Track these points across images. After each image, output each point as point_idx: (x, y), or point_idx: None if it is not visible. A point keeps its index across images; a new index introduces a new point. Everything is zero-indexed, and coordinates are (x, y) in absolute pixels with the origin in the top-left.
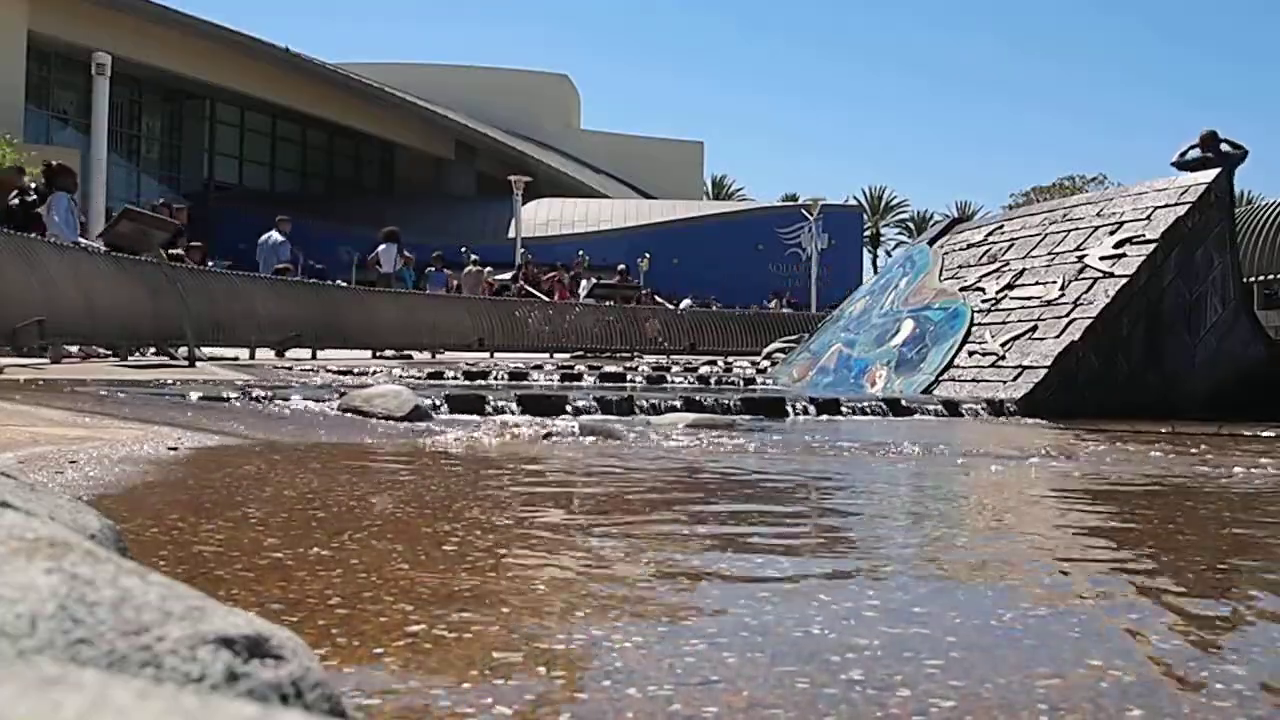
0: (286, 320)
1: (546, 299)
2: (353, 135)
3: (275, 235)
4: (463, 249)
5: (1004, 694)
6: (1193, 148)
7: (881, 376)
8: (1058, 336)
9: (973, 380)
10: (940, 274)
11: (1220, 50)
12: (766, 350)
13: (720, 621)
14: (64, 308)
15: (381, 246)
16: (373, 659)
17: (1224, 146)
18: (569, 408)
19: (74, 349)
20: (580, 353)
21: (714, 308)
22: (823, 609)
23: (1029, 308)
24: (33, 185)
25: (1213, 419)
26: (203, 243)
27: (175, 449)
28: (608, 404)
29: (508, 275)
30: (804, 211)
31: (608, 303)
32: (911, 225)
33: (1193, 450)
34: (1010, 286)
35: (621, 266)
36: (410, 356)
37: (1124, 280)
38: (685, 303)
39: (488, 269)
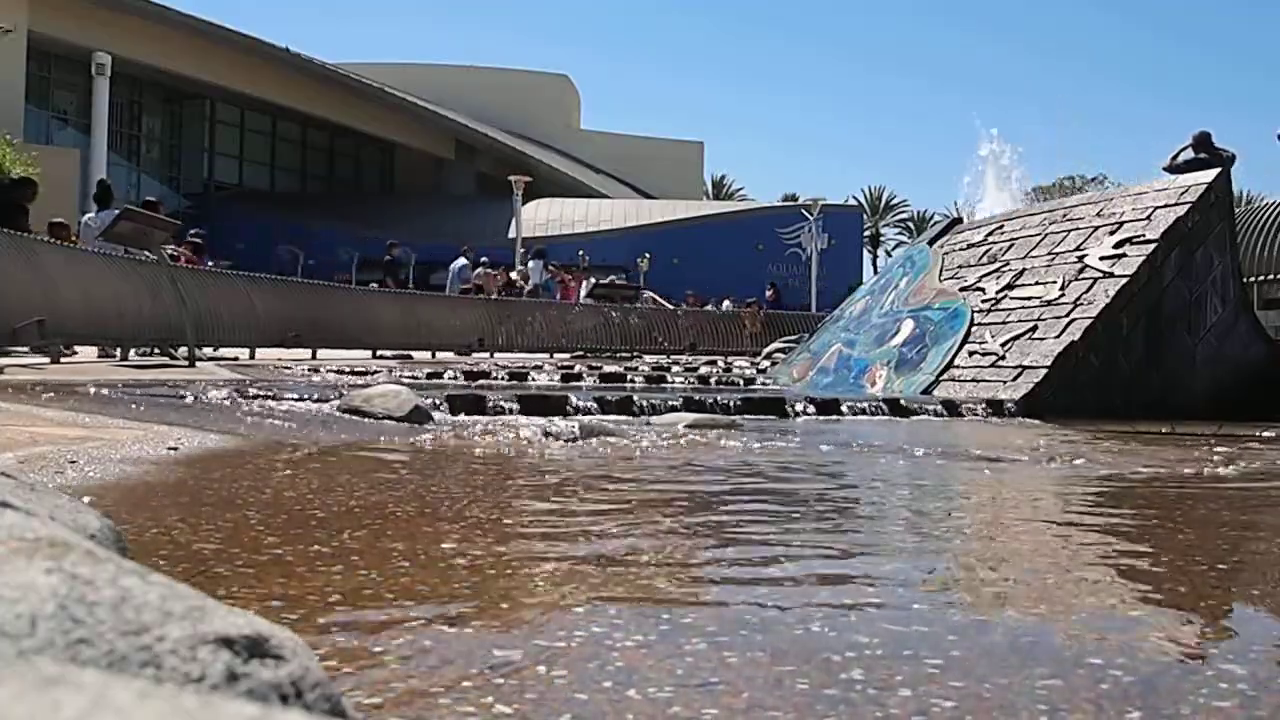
0: (286, 320)
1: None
2: (353, 135)
3: (461, 260)
4: (463, 248)
5: (1004, 694)
6: (1185, 149)
7: (881, 376)
8: (1058, 336)
9: (973, 380)
10: (940, 274)
11: (1220, 50)
12: (766, 350)
13: (720, 621)
14: (64, 308)
15: (531, 263)
16: (373, 658)
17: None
18: (569, 408)
19: (72, 349)
20: (580, 353)
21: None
22: (822, 608)
23: (1029, 308)
24: None
25: (1213, 419)
26: (201, 239)
27: (175, 449)
28: (608, 404)
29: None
30: (804, 211)
31: (618, 303)
32: (911, 225)
33: (1192, 450)
34: (1010, 286)
35: (621, 279)
36: (410, 356)
37: (1124, 280)
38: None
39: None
